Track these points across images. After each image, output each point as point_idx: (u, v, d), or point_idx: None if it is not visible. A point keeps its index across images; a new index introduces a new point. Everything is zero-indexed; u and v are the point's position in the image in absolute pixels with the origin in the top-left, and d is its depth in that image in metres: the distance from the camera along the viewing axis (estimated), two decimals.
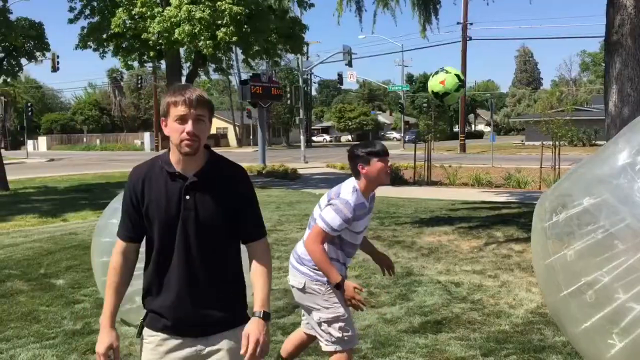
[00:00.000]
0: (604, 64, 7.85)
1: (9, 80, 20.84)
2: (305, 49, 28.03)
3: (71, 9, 19.52)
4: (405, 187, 17.99)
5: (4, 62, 18.99)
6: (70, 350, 4.61)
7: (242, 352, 2.20)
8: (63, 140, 69.01)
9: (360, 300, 3.32)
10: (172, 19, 16.93)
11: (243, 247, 2.42)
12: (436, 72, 3.56)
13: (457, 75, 3.51)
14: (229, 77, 50.90)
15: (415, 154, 19.32)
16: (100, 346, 2.27)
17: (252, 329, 2.23)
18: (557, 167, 16.83)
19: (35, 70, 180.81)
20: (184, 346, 2.30)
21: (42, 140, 68.34)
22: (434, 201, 13.84)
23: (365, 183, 3.36)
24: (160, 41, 17.48)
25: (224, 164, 2.37)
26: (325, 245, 3.35)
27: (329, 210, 3.29)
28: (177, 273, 2.27)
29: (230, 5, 16.86)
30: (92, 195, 16.74)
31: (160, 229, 2.27)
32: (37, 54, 19.93)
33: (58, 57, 34.56)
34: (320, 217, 3.32)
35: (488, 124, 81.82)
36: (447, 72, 3.52)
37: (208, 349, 2.30)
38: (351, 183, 3.38)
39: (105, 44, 19.47)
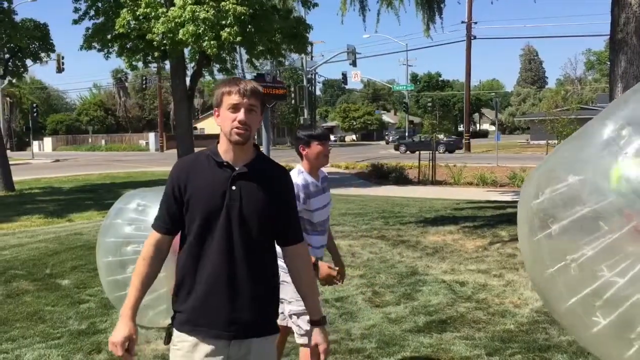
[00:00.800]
0: (609, 63, 7.82)
1: (14, 81, 20.97)
2: (309, 48, 28.01)
3: (76, 10, 19.56)
4: (409, 186, 17.98)
5: (9, 63, 19.09)
6: (75, 350, 4.63)
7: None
8: (68, 141, 69.20)
9: (334, 276, 3.46)
10: (176, 20, 16.94)
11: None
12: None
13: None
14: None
15: (420, 154, 19.29)
16: (118, 335, 2.19)
17: (321, 339, 2.38)
18: None
19: (40, 71, 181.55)
20: (215, 353, 2.22)
21: (48, 141, 68.55)
22: (439, 200, 13.83)
23: (308, 164, 3.53)
24: (165, 42, 17.49)
25: (271, 163, 2.41)
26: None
27: None
28: (214, 267, 2.22)
29: (234, 6, 16.87)
30: (97, 196, 16.79)
31: (202, 219, 2.23)
32: (42, 54, 20.02)
33: (63, 58, 34.78)
34: None
35: (493, 123, 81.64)
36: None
37: (242, 355, 2.25)
38: (296, 169, 3.55)
39: (109, 44, 19.49)
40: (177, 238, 2.36)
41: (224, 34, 16.95)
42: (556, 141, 18.53)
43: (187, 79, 20.22)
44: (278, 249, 2.40)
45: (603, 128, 2.27)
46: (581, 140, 2.42)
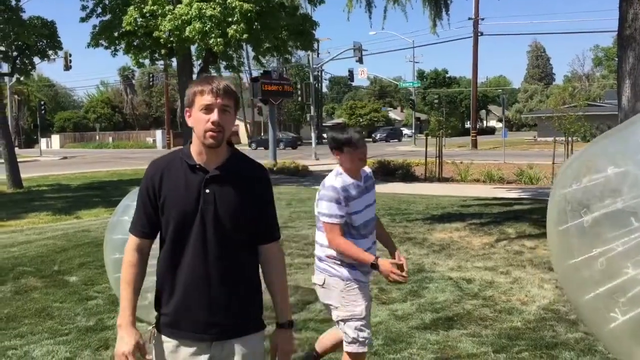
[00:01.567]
0: (617, 59, 7.78)
1: (22, 78, 21.03)
2: (315, 45, 28.02)
3: (83, 8, 19.63)
4: (416, 183, 17.95)
5: (17, 61, 19.17)
6: (83, 346, 4.65)
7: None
8: (76, 138, 69.55)
9: (399, 274, 3.31)
10: (183, 17, 16.98)
11: None
12: None
13: None
14: (240, 74, 50.95)
15: (427, 151, 19.26)
16: (126, 346, 2.15)
17: (282, 340, 2.29)
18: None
19: (48, 69, 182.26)
20: (198, 354, 2.22)
21: (55, 138, 68.92)
22: (446, 197, 13.80)
23: (345, 167, 3.41)
24: (171, 39, 17.53)
25: (246, 161, 2.33)
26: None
27: (321, 203, 3.34)
28: (191, 271, 2.19)
29: (240, 3, 16.88)
30: (104, 193, 16.85)
31: (176, 223, 2.19)
32: (50, 52, 20.09)
33: (70, 55, 34.85)
34: (319, 214, 3.36)
35: (500, 120, 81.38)
36: None
37: (224, 356, 2.23)
38: (334, 171, 3.45)
39: (116, 42, 19.55)
40: None
41: (230, 31, 16.97)
42: (564, 138, 18.43)
43: (194, 76, 20.25)
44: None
45: None
46: (625, 132, 2.40)
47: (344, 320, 3.38)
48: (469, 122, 61.12)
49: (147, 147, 57.71)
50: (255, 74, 38.47)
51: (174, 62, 21.82)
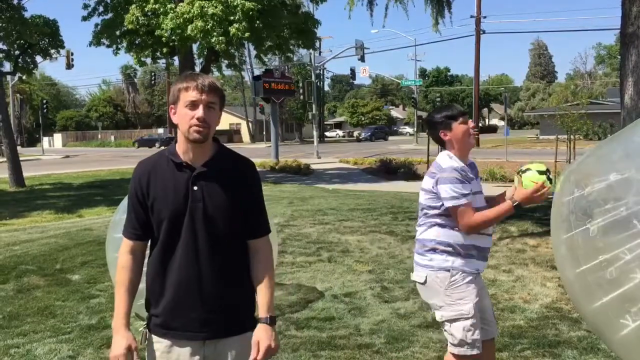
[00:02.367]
0: (619, 57, 7.76)
1: (24, 77, 21.03)
2: (317, 44, 27.96)
3: (85, 6, 19.65)
4: (418, 181, 17.85)
5: (19, 60, 19.18)
6: (86, 345, 4.66)
7: (251, 357, 2.17)
8: (78, 137, 69.65)
9: (541, 191, 2.95)
10: (185, 15, 16.98)
11: None
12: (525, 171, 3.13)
13: (542, 172, 3.09)
14: (242, 72, 50.99)
15: (429, 149, 19.24)
16: (119, 349, 2.15)
17: (262, 337, 2.20)
18: (572, 161, 16.69)
19: (50, 68, 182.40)
20: (191, 354, 2.21)
21: (58, 137, 69.01)
22: None
23: (455, 149, 3.13)
24: (173, 37, 17.54)
25: (233, 157, 2.31)
26: (452, 233, 3.10)
27: (442, 187, 3.02)
28: (183, 269, 2.18)
29: (242, 1, 16.87)
30: (106, 192, 16.87)
31: (167, 222, 2.18)
32: (52, 51, 20.12)
33: (72, 54, 34.85)
34: (444, 200, 3.04)
35: (502, 118, 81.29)
36: (531, 171, 3.12)
37: (217, 354, 2.23)
38: (444, 153, 3.16)
39: (118, 40, 19.57)
40: None
41: (232, 30, 16.96)
42: (566, 136, 18.39)
43: None
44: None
45: None
46: (626, 138, 2.38)
47: (451, 321, 3.09)
48: (470, 121, 61.03)
49: (149, 146, 57.73)
50: (257, 72, 38.50)
51: (176, 60, 21.84)
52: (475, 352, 3.07)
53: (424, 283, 3.18)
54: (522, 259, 7.17)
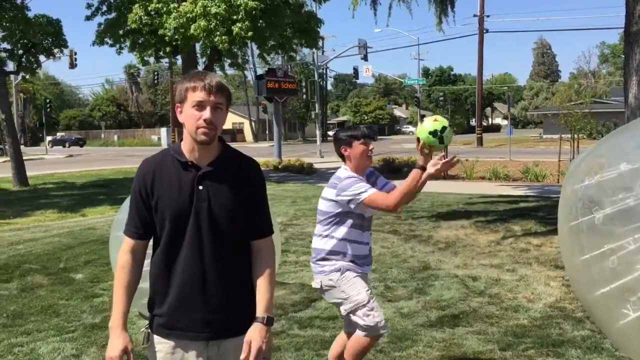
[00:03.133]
0: (623, 56, 7.74)
1: (27, 77, 21.06)
2: (320, 43, 27.98)
3: (88, 6, 19.68)
4: None
5: (23, 59, 19.21)
6: (89, 344, 4.66)
7: (242, 357, 2.14)
8: (81, 136, 69.69)
9: (444, 163, 3.27)
10: (188, 15, 17.00)
11: None
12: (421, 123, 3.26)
13: (433, 132, 3.17)
14: (245, 72, 51.04)
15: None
16: (114, 350, 2.13)
17: (255, 336, 2.18)
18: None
19: (53, 67, 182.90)
20: (195, 355, 2.20)
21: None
22: (451, 195, 13.77)
23: (352, 166, 3.44)
24: (176, 37, 17.56)
25: (238, 157, 2.30)
26: (343, 229, 3.44)
27: (347, 192, 3.35)
28: (187, 270, 2.17)
29: (245, 1, 16.88)
30: (110, 191, 16.89)
31: (171, 222, 2.16)
32: (55, 50, 20.11)
33: (76, 53, 34.91)
34: (355, 199, 3.34)
35: (505, 118, 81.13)
36: (425, 127, 3.20)
37: (220, 355, 2.22)
38: (342, 167, 3.48)
39: (121, 40, 19.60)
40: None
41: (235, 29, 16.98)
42: (569, 135, 18.36)
43: None
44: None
45: None
46: (638, 128, 2.37)
47: (352, 312, 3.38)
48: (474, 120, 61.00)
49: (152, 145, 57.76)
50: (260, 71, 38.53)
51: (179, 60, 21.86)
52: (381, 332, 3.42)
53: (320, 288, 3.50)
54: (525, 258, 7.16)
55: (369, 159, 3.46)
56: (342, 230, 3.44)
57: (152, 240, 2.29)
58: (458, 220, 9.84)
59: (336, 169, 3.57)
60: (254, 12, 17.07)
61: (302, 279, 6.37)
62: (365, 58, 37.62)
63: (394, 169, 19.90)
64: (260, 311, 2.23)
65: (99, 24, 19.72)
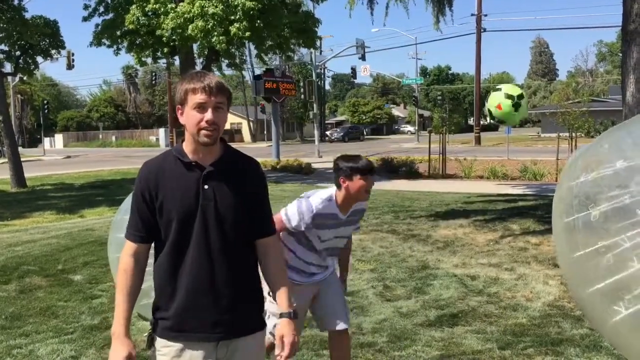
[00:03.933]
0: (621, 54, 7.75)
1: (25, 78, 21.03)
2: (318, 43, 27.95)
3: (86, 7, 19.66)
4: (420, 180, 17.92)
5: (20, 60, 19.19)
6: (88, 345, 4.66)
7: (277, 352, 2.19)
8: (79, 138, 69.65)
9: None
10: (185, 15, 16.98)
11: None
12: (495, 90, 3.12)
13: (510, 96, 3.04)
14: (243, 72, 51.00)
15: (430, 148, 19.24)
16: (118, 356, 2.12)
17: (287, 331, 2.23)
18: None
19: (50, 68, 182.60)
20: (204, 356, 2.18)
21: (59, 138, 69.02)
22: (449, 194, 13.78)
23: (343, 197, 3.23)
24: (174, 37, 17.54)
25: (239, 156, 2.31)
26: (292, 243, 3.29)
27: (294, 205, 3.22)
28: (195, 270, 2.16)
29: (243, 1, 16.86)
30: (108, 192, 16.88)
31: (177, 223, 2.15)
32: (53, 51, 20.12)
33: (73, 54, 34.87)
34: (286, 207, 3.25)
35: None
36: (500, 91, 3.08)
37: (229, 355, 2.21)
38: (329, 192, 3.28)
39: (119, 40, 19.57)
40: None
41: (232, 29, 16.96)
42: (567, 134, 18.38)
43: None
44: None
45: None
46: (637, 126, 2.37)
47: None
48: (472, 119, 61.01)
49: (151, 146, 57.75)
50: (258, 71, 38.52)
51: (177, 60, 21.83)
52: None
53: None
54: (524, 257, 7.16)
55: (367, 194, 3.25)
56: (303, 238, 3.29)
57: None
58: (456, 220, 9.84)
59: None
60: (251, 12, 17.05)
61: None
62: (363, 58, 37.61)
63: (392, 169, 19.92)
64: (284, 306, 2.27)
65: (96, 25, 19.69)
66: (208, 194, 2.16)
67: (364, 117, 74.50)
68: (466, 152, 28.19)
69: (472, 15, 41.15)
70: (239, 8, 16.88)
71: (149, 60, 21.02)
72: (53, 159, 39.61)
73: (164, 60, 22.50)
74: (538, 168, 17.45)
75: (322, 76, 64.65)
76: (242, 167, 2.29)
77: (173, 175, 2.18)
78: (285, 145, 45.57)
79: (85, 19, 19.69)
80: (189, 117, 2.15)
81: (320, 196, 3.24)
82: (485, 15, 42.02)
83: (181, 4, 17.37)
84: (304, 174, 21.44)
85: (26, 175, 19.16)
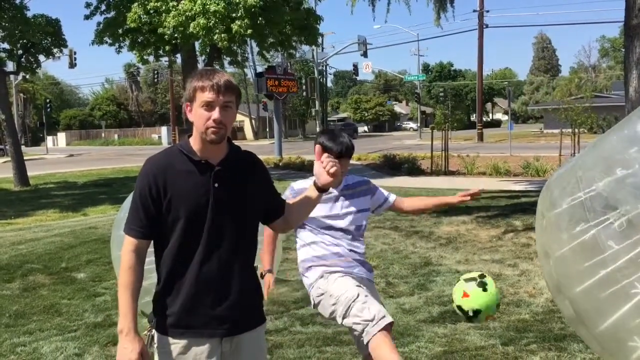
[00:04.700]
0: (623, 49, 7.73)
1: (27, 76, 21.04)
2: (320, 40, 27.92)
3: (87, 5, 19.65)
4: (422, 177, 17.91)
5: (22, 59, 19.21)
6: (91, 343, 4.67)
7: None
8: (82, 136, 69.70)
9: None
10: (187, 13, 16.97)
11: None
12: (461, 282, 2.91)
13: (470, 279, 2.86)
14: (244, 69, 50.93)
15: (432, 144, 19.22)
16: (132, 354, 2.09)
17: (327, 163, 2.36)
18: (576, 154, 16.62)
19: (53, 67, 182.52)
20: (210, 352, 2.19)
21: (62, 136, 69.08)
22: (452, 191, 13.71)
23: None
24: (176, 35, 17.53)
25: (242, 153, 2.35)
26: (305, 234, 3.26)
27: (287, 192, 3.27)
28: (202, 266, 2.16)
29: None
30: (111, 190, 16.91)
31: (185, 221, 2.15)
32: (55, 50, 20.12)
33: (75, 53, 34.92)
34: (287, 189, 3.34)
35: (506, 113, 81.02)
36: (460, 280, 2.94)
37: (233, 350, 2.23)
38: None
39: (121, 39, 19.57)
40: None
41: (234, 27, 16.95)
42: (570, 130, 18.35)
43: None
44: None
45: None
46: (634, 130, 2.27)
47: (346, 315, 2.90)
48: (474, 115, 60.95)
49: (153, 144, 57.79)
50: (259, 69, 38.45)
51: (179, 58, 21.84)
52: (386, 320, 2.83)
53: (314, 303, 3.21)
54: (527, 253, 7.16)
55: (332, 176, 3.15)
56: (307, 235, 3.25)
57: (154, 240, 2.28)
58: (459, 216, 9.84)
59: None
60: (253, 9, 17.04)
61: None
62: (365, 54, 37.65)
63: (395, 166, 19.91)
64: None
65: (98, 23, 19.69)
66: (219, 192, 2.17)
67: (366, 114, 74.42)
68: (469, 149, 28.16)
69: (474, 11, 41.09)
70: (241, 5, 16.87)
71: (151, 58, 21.02)
72: (56, 157, 39.66)
73: (166, 58, 22.52)
74: (541, 164, 17.41)
75: (324, 73, 64.49)
76: (246, 161, 2.33)
77: (182, 172, 2.18)
78: (287, 142, 45.55)
79: (87, 17, 19.68)
80: (197, 115, 2.15)
81: (301, 180, 3.34)
82: (487, 11, 41.97)
83: (183, 1, 17.36)
84: (306, 171, 21.40)
85: (29, 173, 19.19)
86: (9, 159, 19.24)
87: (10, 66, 20.44)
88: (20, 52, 19.06)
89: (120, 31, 19.28)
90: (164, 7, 17.46)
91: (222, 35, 16.94)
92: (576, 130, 17.90)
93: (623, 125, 2.29)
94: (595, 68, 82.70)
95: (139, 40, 19.33)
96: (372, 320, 2.81)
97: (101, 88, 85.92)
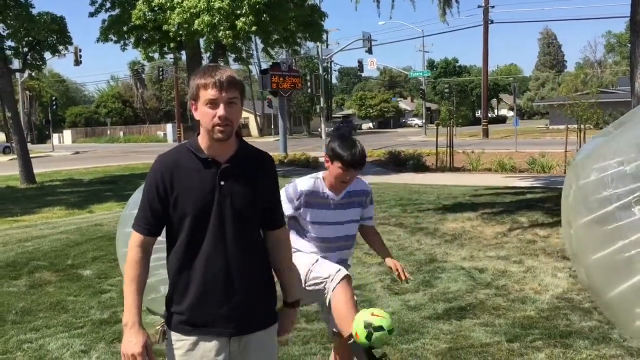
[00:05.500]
0: (629, 45, 7.69)
1: (33, 74, 21.11)
2: (324, 36, 27.88)
3: (92, 3, 19.70)
4: (427, 173, 17.89)
5: (28, 57, 19.26)
6: (98, 339, 4.69)
7: (279, 335, 2.34)
8: (87, 133, 69.93)
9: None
10: (192, 10, 16.99)
11: None
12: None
13: (367, 324, 2.85)
14: (249, 66, 50.98)
15: (437, 140, 19.19)
16: (136, 347, 2.11)
17: (285, 318, 2.44)
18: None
19: (58, 64, 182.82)
20: (218, 351, 2.19)
21: (67, 134, 69.31)
22: (457, 187, 13.75)
23: (329, 175, 3.14)
24: (180, 32, 17.56)
25: (253, 150, 2.31)
26: (293, 238, 3.17)
27: (282, 192, 3.05)
28: (209, 264, 2.16)
29: None
30: (116, 187, 16.95)
31: (191, 218, 2.15)
32: (60, 47, 20.16)
33: (80, 50, 35.00)
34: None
35: (511, 109, 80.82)
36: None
37: (242, 350, 2.23)
38: (316, 174, 3.23)
39: (126, 36, 19.61)
40: None
41: (239, 24, 16.96)
42: (576, 126, 18.26)
43: None
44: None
45: None
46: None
47: (307, 280, 3.04)
48: (479, 111, 60.78)
49: (158, 141, 57.91)
50: (264, 66, 38.48)
51: (183, 55, 21.86)
52: (339, 275, 2.99)
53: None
54: (532, 250, 7.14)
55: (342, 185, 3.13)
56: (294, 239, 3.18)
57: (162, 237, 2.29)
58: (464, 213, 9.82)
59: None
60: (257, 6, 17.05)
61: None
62: (369, 51, 37.54)
63: (400, 162, 19.90)
64: (291, 296, 2.45)
65: (103, 21, 19.75)
66: (225, 189, 2.17)
67: (371, 111, 74.38)
68: (474, 145, 28.10)
69: (479, 7, 40.95)
70: (245, 2, 16.88)
71: (156, 55, 21.07)
72: (62, 154, 39.80)
73: (171, 56, 22.54)
74: (546, 160, 17.36)
75: (329, 70, 64.53)
76: (256, 160, 2.30)
77: (189, 170, 2.18)
78: (292, 139, 45.57)
79: (92, 14, 19.73)
80: (202, 114, 2.14)
81: (308, 176, 3.24)
82: (493, 7, 41.76)
83: None
84: (311, 167, 21.42)
85: (35, 171, 19.27)
86: (15, 156, 19.31)
87: (16, 64, 20.53)
88: (25, 49, 19.11)
89: (125, 28, 19.33)
90: (168, 4, 17.48)
91: (227, 32, 16.95)
92: (582, 126, 17.82)
93: None
94: (601, 64, 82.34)
95: (144, 37, 19.38)
96: (328, 277, 3.02)
97: (106, 85, 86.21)
